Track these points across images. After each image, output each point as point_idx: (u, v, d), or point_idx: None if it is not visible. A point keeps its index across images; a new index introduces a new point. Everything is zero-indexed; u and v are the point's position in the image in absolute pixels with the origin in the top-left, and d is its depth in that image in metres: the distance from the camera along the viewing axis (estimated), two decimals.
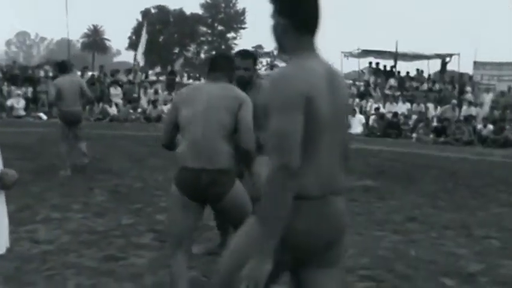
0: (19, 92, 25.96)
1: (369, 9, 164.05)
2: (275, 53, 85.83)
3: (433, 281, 5.60)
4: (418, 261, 6.22)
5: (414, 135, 22.18)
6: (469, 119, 22.08)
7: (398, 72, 31.98)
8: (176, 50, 74.78)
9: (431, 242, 7.05)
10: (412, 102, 26.31)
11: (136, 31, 37.32)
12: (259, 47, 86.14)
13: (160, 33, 72.73)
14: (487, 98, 26.22)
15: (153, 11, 74.45)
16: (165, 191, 5.78)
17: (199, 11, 76.30)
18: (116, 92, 26.88)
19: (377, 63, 32.70)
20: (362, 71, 34.10)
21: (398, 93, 28.44)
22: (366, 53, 32.87)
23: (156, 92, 27.67)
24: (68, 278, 5.28)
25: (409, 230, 7.57)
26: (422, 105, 25.52)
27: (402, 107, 25.85)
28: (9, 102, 24.78)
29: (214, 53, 65.14)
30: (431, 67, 33.60)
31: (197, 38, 77.21)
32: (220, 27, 76.92)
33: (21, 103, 25.35)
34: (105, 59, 73.85)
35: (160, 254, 5.95)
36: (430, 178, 12.29)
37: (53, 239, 6.55)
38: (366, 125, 23.81)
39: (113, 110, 25.20)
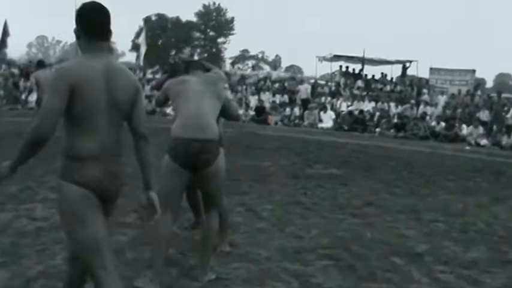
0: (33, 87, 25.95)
1: (340, 19, 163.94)
2: (259, 56, 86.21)
3: (384, 260, 5.51)
4: (373, 242, 6.13)
5: (377, 130, 22.14)
6: (424, 116, 22.10)
7: (366, 75, 32.11)
8: (173, 52, 74.46)
9: (385, 225, 6.95)
10: (376, 102, 26.27)
11: (138, 35, 37.13)
12: (246, 50, 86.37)
13: (159, 37, 72.37)
14: (441, 99, 26.35)
15: (153, 18, 74.21)
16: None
17: (194, 19, 76.19)
18: None
19: (347, 67, 32.88)
20: (334, 73, 34.22)
21: (364, 93, 28.44)
22: (337, 57, 32.95)
23: (152, 89, 27.43)
24: (56, 252, 5.15)
25: (366, 214, 7.47)
26: (385, 104, 25.50)
27: (368, 105, 25.83)
28: (23, 96, 24.67)
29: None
30: (393, 71, 33.78)
31: (191, 42, 76.97)
32: (212, 33, 76.63)
33: (34, 96, 25.22)
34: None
35: (141, 232, 5.83)
36: (388, 168, 12.20)
37: (48, 216, 6.41)
38: (336, 120, 23.72)
39: None
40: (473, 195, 9.40)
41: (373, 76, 31.91)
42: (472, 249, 6.11)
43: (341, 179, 10.18)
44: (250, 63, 74.02)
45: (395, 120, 22.72)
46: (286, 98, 27.83)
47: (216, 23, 76.43)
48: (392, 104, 25.75)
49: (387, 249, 5.85)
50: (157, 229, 4.47)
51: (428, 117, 22.46)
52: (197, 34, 76.88)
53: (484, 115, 22.36)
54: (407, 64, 32.86)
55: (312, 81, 31.96)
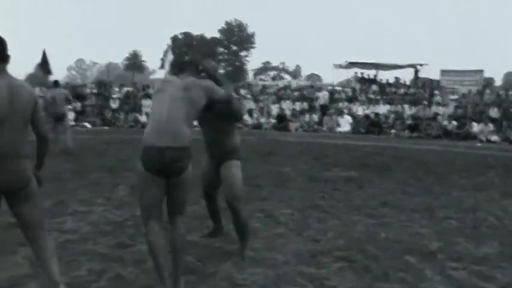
0: (70, 106, 26.14)
1: (354, 27, 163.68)
2: (280, 66, 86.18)
3: (398, 260, 5.31)
4: (387, 241, 5.93)
5: (392, 131, 21.92)
6: (436, 116, 21.83)
7: (380, 79, 31.82)
8: (199, 68, 74.78)
9: (400, 224, 6.75)
10: (391, 104, 26.05)
11: (166, 53, 37.38)
12: (267, 62, 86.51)
13: (186, 53, 72.95)
14: (452, 99, 26.09)
15: (180, 36, 74.71)
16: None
17: (217, 35, 76.58)
18: (147, 103, 26.66)
19: (362, 73, 32.59)
20: (350, 79, 34.00)
21: (379, 97, 28.19)
22: (352, 64, 32.77)
23: None
24: (82, 263, 5.05)
25: (381, 214, 7.27)
26: (399, 106, 25.27)
27: (383, 108, 25.60)
28: None
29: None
30: (406, 75, 33.41)
31: (216, 56, 77.39)
32: (234, 47, 77.09)
33: (71, 115, 25.44)
34: (142, 77, 74.13)
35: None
36: (403, 167, 11.99)
37: (76, 229, 6.33)
38: (353, 124, 23.50)
39: (143, 119, 24.94)
40: (484, 190, 9.18)
41: (387, 80, 31.61)
42: (483, 244, 5.90)
43: (358, 181, 9.98)
44: (272, 74, 74.03)
45: (409, 122, 22.43)
46: (305, 105, 27.65)
47: (238, 38, 76.80)
48: (406, 106, 25.47)
49: (401, 249, 5.66)
50: (149, 242, 4.30)
51: (440, 117, 22.14)
52: (221, 49, 77.29)
53: (494, 112, 22.05)
54: (419, 67, 32.58)
55: (330, 88, 31.79)
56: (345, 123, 23.62)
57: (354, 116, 24.66)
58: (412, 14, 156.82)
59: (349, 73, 33.89)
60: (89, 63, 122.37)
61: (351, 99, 28.55)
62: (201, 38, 75.21)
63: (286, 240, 5.97)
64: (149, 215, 4.27)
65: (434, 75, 32.01)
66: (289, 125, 24.04)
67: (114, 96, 28.34)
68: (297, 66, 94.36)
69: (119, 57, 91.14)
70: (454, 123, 21.00)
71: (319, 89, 30.85)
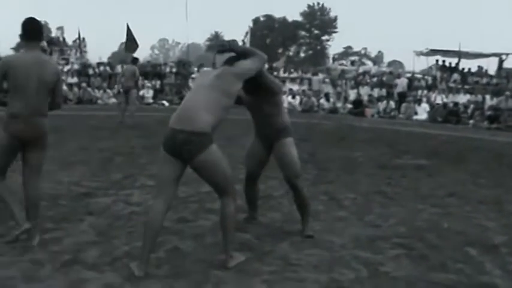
0: (149, 84, 26.73)
1: (436, 13, 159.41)
2: (362, 52, 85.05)
3: (458, 251, 5.18)
4: (449, 232, 5.81)
5: (471, 121, 21.33)
6: None
7: (463, 68, 30.88)
8: (280, 50, 74.72)
9: (465, 215, 6.58)
10: (471, 94, 25.32)
11: (246, 35, 37.52)
12: (349, 47, 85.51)
13: (267, 36, 72.97)
14: None
15: (262, 18, 74.73)
16: (244, 165, 5.64)
17: (299, 18, 76.17)
18: None
19: (443, 61, 31.67)
20: (430, 67, 33.14)
21: (460, 86, 27.44)
22: (433, 52, 31.88)
23: None
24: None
25: (447, 204, 7.10)
26: (480, 96, 24.53)
27: (463, 98, 24.93)
28: (141, 93, 25.31)
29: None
30: (490, 64, 32.29)
31: (297, 40, 77.08)
32: (316, 31, 76.31)
33: (150, 93, 26.03)
34: (222, 58, 74.57)
35: None
36: (477, 159, 11.65)
37: (142, 202, 6.51)
38: (430, 112, 22.98)
39: None
40: None
41: (469, 69, 30.65)
42: None
43: (427, 169, 9.78)
44: (352, 58, 73.23)
45: (489, 113, 21.75)
46: (384, 91, 27.25)
47: (320, 22, 76.13)
48: (487, 97, 24.69)
49: (463, 240, 5.52)
50: (148, 214, 4.40)
51: None
52: (302, 33, 76.87)
53: None
54: (504, 57, 31.37)
55: (408, 75, 31.13)
56: (422, 112, 23.14)
57: (432, 105, 24.10)
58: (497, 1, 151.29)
59: (431, 61, 33.08)
60: (172, 43, 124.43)
61: (430, 87, 27.92)
62: (283, 21, 74.94)
63: (346, 223, 5.93)
64: (157, 193, 4.39)
65: None
66: (366, 111, 23.76)
67: (193, 75, 28.71)
68: (379, 52, 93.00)
69: (201, 38, 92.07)
70: None
71: (399, 76, 30.29)
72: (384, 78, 29.62)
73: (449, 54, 31.49)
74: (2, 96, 5.36)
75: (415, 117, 22.85)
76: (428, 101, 24.91)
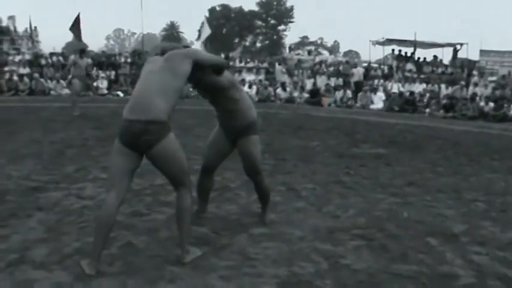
0: (103, 74, 26.29)
1: (391, 3, 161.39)
2: (318, 42, 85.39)
3: (418, 241, 5.12)
4: (409, 221, 5.74)
5: (427, 110, 21.47)
6: (475, 97, 21.27)
7: (418, 58, 31.13)
8: (236, 40, 74.64)
9: (424, 204, 6.53)
10: (427, 83, 25.53)
11: (203, 25, 37.14)
12: (305, 37, 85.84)
13: (224, 26, 72.90)
14: (491, 80, 25.51)
15: (218, 8, 74.50)
16: (202, 155, 5.45)
17: (256, 8, 76.21)
18: None
19: (399, 50, 31.89)
20: (386, 56, 33.37)
21: (416, 75, 27.66)
22: (389, 41, 32.02)
23: None
24: None
25: (406, 193, 7.05)
26: (435, 86, 24.73)
27: (419, 87, 25.08)
28: (95, 83, 24.85)
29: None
30: (445, 54, 32.66)
31: (254, 30, 77.13)
32: (272, 21, 76.60)
33: (105, 83, 25.60)
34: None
35: None
36: (434, 147, 11.67)
37: (95, 195, 6.29)
38: (386, 101, 23.10)
39: None
40: None
41: (425, 59, 30.93)
42: (510, 229, 5.65)
43: (386, 158, 9.74)
44: (309, 48, 73.49)
45: (444, 101, 21.94)
46: (340, 81, 27.27)
47: (276, 12, 76.40)
48: (443, 86, 24.92)
49: (423, 229, 5.46)
50: (99, 212, 4.24)
51: (477, 98, 21.60)
52: (259, 22, 76.95)
53: None
54: (458, 47, 31.70)
55: (365, 64, 31.28)
56: (378, 101, 23.23)
57: (388, 94, 24.22)
58: None
59: (387, 50, 33.29)
60: (128, 33, 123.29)
61: (387, 77, 28.08)
62: (239, 11, 74.83)
63: (304, 215, 5.82)
64: (110, 186, 4.20)
65: (474, 56, 31.35)
66: (323, 100, 23.74)
67: None
68: (335, 42, 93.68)
69: (156, 29, 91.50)
70: (491, 104, 20.47)
71: (355, 65, 30.41)
72: (341, 68, 29.67)
73: (405, 44, 31.73)
74: None
75: (371, 106, 22.92)
76: (385, 90, 25.02)
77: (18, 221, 5.28)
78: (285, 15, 76.74)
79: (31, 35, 31.32)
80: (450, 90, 23.76)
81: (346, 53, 79.18)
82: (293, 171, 8.15)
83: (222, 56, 33.55)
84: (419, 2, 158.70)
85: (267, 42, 77.20)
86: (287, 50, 64.80)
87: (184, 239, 4.33)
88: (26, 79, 24.26)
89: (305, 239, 5.02)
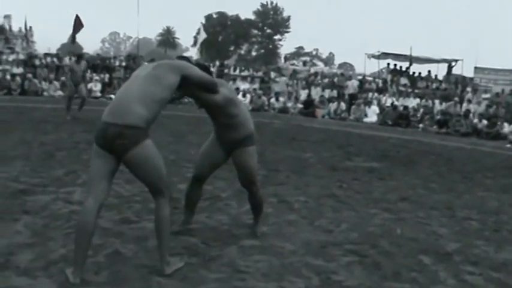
0: (97, 77, 26.20)
1: (388, 17, 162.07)
2: (313, 53, 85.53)
3: (411, 259, 5.04)
4: (402, 239, 5.65)
5: (420, 125, 21.49)
6: (468, 114, 21.31)
7: (413, 73, 31.22)
8: (232, 48, 74.70)
9: (417, 221, 6.45)
10: (421, 98, 25.59)
11: (199, 31, 37.05)
12: (301, 48, 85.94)
13: (220, 34, 72.93)
14: (484, 98, 25.60)
15: (214, 15, 74.56)
16: (194, 163, 5.36)
17: (252, 17, 76.29)
18: None
19: (394, 65, 32.02)
20: (381, 70, 33.48)
21: (410, 90, 27.71)
22: (385, 55, 32.25)
23: None
24: None
25: (399, 209, 6.97)
26: (429, 101, 24.77)
27: (413, 102, 25.13)
28: (89, 86, 24.74)
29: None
30: (439, 70, 32.80)
31: (249, 38, 77.17)
32: (268, 31, 76.66)
33: (98, 86, 25.48)
34: (175, 54, 74.27)
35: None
36: (428, 163, 11.62)
37: (83, 200, 6.12)
38: (380, 115, 23.09)
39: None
40: (509, 192, 8.80)
41: (420, 74, 31.03)
42: (504, 249, 5.59)
43: (379, 172, 9.66)
44: (304, 59, 73.60)
45: (438, 117, 21.97)
46: (335, 92, 27.27)
47: (273, 21, 76.51)
48: (436, 101, 24.96)
49: (416, 247, 5.38)
50: (78, 218, 4.12)
51: (471, 115, 21.64)
52: (255, 31, 77.08)
53: None
54: (453, 63, 31.95)
55: (359, 77, 31.33)
56: (372, 114, 23.23)
57: (382, 107, 24.22)
58: (450, 9, 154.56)
59: (382, 64, 33.41)
60: (123, 36, 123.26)
61: (381, 90, 28.11)
62: (236, 19, 74.87)
63: (296, 228, 5.72)
64: (88, 190, 4.11)
65: (468, 72, 31.44)
66: (316, 112, 23.71)
67: None
68: (331, 53, 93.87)
69: (152, 33, 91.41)
70: (485, 122, 20.51)
71: (350, 78, 30.46)
72: (335, 80, 29.69)
73: (400, 58, 31.90)
74: None
75: (365, 119, 22.91)
76: (379, 104, 25.03)
77: (4, 224, 5.15)
78: (282, 25, 76.84)
79: (26, 35, 31.18)
80: (444, 106, 23.80)
81: (341, 65, 79.25)
82: (285, 182, 8.05)
83: (217, 63, 33.61)
84: (416, 18, 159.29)
85: (262, 51, 77.21)
86: (282, 60, 65.07)
87: (164, 250, 4.22)
88: (17, 78, 24.12)
89: (296, 253, 4.93)
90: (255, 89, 26.38)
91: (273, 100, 24.99)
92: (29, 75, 24.48)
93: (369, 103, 24.27)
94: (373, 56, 32.43)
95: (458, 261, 5.10)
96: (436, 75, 30.92)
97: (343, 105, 24.40)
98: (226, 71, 29.77)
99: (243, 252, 4.83)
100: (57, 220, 5.41)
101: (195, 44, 63.08)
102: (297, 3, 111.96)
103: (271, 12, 76.50)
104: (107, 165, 4.03)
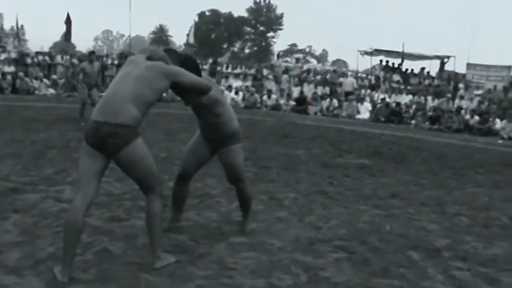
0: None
1: (381, 14, 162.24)
2: (307, 50, 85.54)
3: (400, 255, 5.05)
4: (391, 235, 5.67)
5: (413, 122, 21.53)
6: (460, 110, 21.36)
7: (406, 69, 31.25)
8: (225, 46, 74.58)
9: (407, 217, 6.47)
10: (414, 95, 25.63)
11: (191, 29, 36.87)
12: (294, 45, 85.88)
13: (213, 31, 72.79)
14: (477, 94, 25.65)
15: (207, 13, 74.42)
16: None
17: (245, 14, 76.20)
18: None
19: (387, 61, 32.02)
20: (374, 67, 33.44)
21: (403, 86, 27.76)
22: (377, 52, 32.15)
23: None
24: None
25: (389, 206, 6.98)
26: (422, 98, 24.80)
27: (405, 98, 25.19)
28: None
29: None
30: (432, 66, 32.79)
31: (242, 36, 77.07)
32: (261, 28, 76.47)
33: None
34: None
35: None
36: (419, 159, 11.65)
37: (73, 199, 6.13)
38: (372, 111, 23.12)
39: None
40: (500, 188, 8.84)
41: (412, 70, 31.06)
42: (493, 245, 5.61)
43: (370, 169, 9.68)
44: (297, 56, 73.64)
45: (430, 113, 22.01)
46: (327, 89, 27.27)
47: (266, 19, 76.42)
48: (429, 98, 25.01)
49: (405, 243, 5.39)
50: (68, 213, 4.14)
51: (463, 111, 21.69)
52: (248, 29, 76.97)
53: None
54: (445, 59, 31.90)
55: (350, 73, 31.36)
56: (365, 111, 23.25)
57: (374, 104, 24.24)
58: (443, 5, 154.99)
59: (375, 60, 33.38)
60: (116, 34, 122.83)
61: (374, 87, 28.14)
62: (229, 16, 74.75)
63: (286, 225, 5.73)
64: (77, 189, 4.11)
65: (461, 68, 31.46)
66: (309, 109, 23.71)
67: None
68: (324, 50, 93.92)
69: (145, 31, 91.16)
70: (477, 118, 20.56)
71: (342, 75, 30.47)
72: (328, 77, 29.69)
73: (392, 55, 31.88)
74: None
75: (357, 116, 22.93)
76: (371, 100, 25.06)
77: None
78: (275, 22, 76.69)
79: (17, 33, 31.07)
80: (436, 102, 23.84)
81: (334, 62, 79.34)
82: (276, 179, 8.06)
83: (210, 61, 33.56)
84: (408, 14, 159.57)
85: (255, 48, 77.08)
86: (275, 57, 65.00)
87: (155, 244, 4.26)
88: (8, 77, 24.02)
89: (285, 249, 4.94)
90: (247, 87, 26.33)
91: (265, 97, 24.98)
92: (21, 74, 24.38)
93: (361, 100, 24.28)
94: (366, 53, 32.38)
95: (447, 257, 5.12)
96: (428, 72, 30.99)
97: (335, 102, 24.41)
98: (218, 68, 29.74)
99: (231, 249, 4.84)
100: (46, 218, 5.42)
101: (187, 42, 63.21)
102: (290, 1, 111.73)
103: (264, 10, 76.32)
104: (97, 163, 4.03)
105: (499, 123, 20.18)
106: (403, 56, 31.05)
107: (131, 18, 31.54)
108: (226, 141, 5.01)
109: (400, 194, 7.70)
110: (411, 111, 23.09)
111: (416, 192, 8.01)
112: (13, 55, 27.66)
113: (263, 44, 76.86)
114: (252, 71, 30.61)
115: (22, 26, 32.62)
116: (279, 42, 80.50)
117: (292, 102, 24.67)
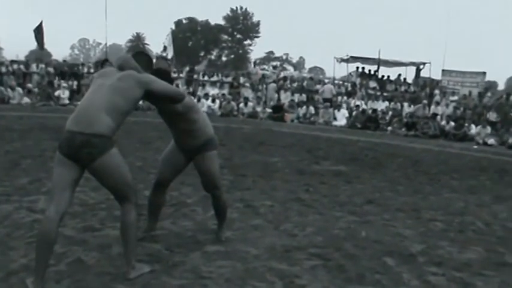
0: (65, 84, 25.92)
1: (357, 21, 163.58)
2: (284, 57, 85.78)
3: (375, 261, 5.07)
4: (367, 241, 5.69)
5: (389, 128, 21.65)
6: (435, 116, 21.54)
7: (382, 76, 31.46)
8: (202, 54, 74.60)
9: (383, 223, 6.50)
10: (390, 101, 25.80)
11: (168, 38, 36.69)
12: (271, 52, 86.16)
13: (189, 39, 72.84)
14: (452, 100, 25.88)
15: (184, 21, 74.44)
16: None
17: (222, 22, 76.35)
18: None
19: (363, 68, 32.21)
20: (350, 73, 33.62)
21: (379, 93, 27.93)
22: (354, 59, 32.43)
23: (176, 87, 27.06)
24: None
25: (365, 212, 7.01)
26: (398, 104, 24.98)
27: (382, 105, 25.34)
28: (57, 93, 24.51)
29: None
30: (408, 73, 33.09)
31: (219, 44, 77.19)
32: (238, 36, 76.80)
33: (66, 93, 25.17)
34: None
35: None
36: (395, 165, 11.71)
37: (47, 209, 6.07)
38: (349, 118, 23.22)
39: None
40: (475, 193, 8.90)
41: (388, 77, 31.27)
42: (467, 250, 5.65)
43: (346, 176, 9.71)
44: (275, 63, 73.88)
45: (406, 120, 22.16)
46: (304, 97, 27.35)
47: (242, 26, 76.65)
48: (405, 104, 25.19)
49: (380, 249, 5.41)
50: (41, 225, 4.09)
51: (439, 117, 21.88)
52: (225, 37, 77.14)
53: (493, 116, 21.75)
54: (421, 66, 32.29)
55: (327, 80, 31.50)
56: (341, 117, 23.33)
57: (351, 111, 24.35)
58: (417, 13, 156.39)
59: (351, 67, 33.58)
60: (93, 43, 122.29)
61: (350, 94, 28.27)
62: (206, 24, 74.85)
63: (261, 233, 5.73)
64: (50, 199, 4.07)
65: (436, 75, 31.74)
66: (286, 116, 23.73)
67: None
68: (301, 58, 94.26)
69: (122, 39, 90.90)
70: (452, 123, 20.73)
71: (319, 82, 30.58)
72: (305, 84, 29.78)
73: (368, 62, 32.12)
74: None
75: (334, 122, 23.01)
76: (348, 107, 25.17)
77: None
78: (251, 30, 77.03)
79: None
80: (412, 108, 24.01)
81: (311, 69, 79.59)
82: (252, 187, 8.06)
83: (187, 68, 33.49)
84: (384, 21, 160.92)
85: (232, 56, 77.33)
86: (252, 65, 65.10)
87: (130, 254, 4.23)
88: None
89: (260, 257, 4.93)
90: (224, 94, 26.31)
91: (242, 105, 24.96)
92: None
93: (338, 107, 24.37)
94: (343, 60, 32.62)
95: (422, 262, 5.14)
96: (404, 78, 31.25)
97: (312, 109, 24.46)
98: (195, 76, 29.70)
99: (206, 257, 4.82)
100: (19, 229, 5.35)
101: (164, 50, 63.03)
102: (266, 8, 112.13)
103: (241, 18, 76.66)
104: (71, 174, 4.00)
105: (474, 129, 20.37)
106: (379, 62, 31.30)
107: (107, 26, 31.39)
108: (201, 148, 5.00)
109: (375, 200, 7.74)
110: (387, 117, 23.21)
111: (392, 198, 8.04)
112: None
113: (240, 51, 77.14)
114: (229, 78, 30.58)
115: None
116: (256, 50, 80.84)
117: (269, 110, 24.67)
